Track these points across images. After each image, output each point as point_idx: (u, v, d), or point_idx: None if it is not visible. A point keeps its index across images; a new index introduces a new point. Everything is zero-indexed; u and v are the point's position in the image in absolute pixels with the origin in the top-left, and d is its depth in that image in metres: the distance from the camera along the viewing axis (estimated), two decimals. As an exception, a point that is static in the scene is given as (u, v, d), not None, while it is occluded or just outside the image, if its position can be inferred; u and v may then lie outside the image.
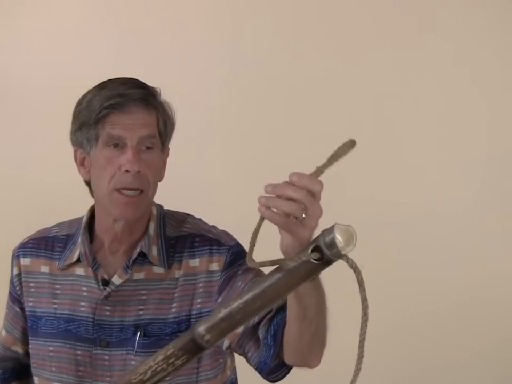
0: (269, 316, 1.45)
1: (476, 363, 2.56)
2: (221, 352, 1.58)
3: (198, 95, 2.54)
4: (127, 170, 1.47)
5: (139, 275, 1.55)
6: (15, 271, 1.65)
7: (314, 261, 1.00)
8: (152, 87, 1.54)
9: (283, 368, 1.46)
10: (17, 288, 1.65)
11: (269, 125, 2.58)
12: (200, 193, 2.56)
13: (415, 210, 2.57)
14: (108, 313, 1.55)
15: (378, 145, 2.55)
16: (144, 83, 1.54)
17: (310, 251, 1.00)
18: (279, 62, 2.57)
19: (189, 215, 1.65)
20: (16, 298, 1.66)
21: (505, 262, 2.54)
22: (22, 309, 1.65)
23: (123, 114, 1.48)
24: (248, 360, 1.52)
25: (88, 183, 1.58)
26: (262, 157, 2.57)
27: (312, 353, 1.36)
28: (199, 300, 1.53)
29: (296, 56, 2.57)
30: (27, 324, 1.64)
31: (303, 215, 1.05)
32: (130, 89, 1.50)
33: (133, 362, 1.52)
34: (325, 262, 1.00)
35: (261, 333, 1.46)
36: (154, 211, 1.60)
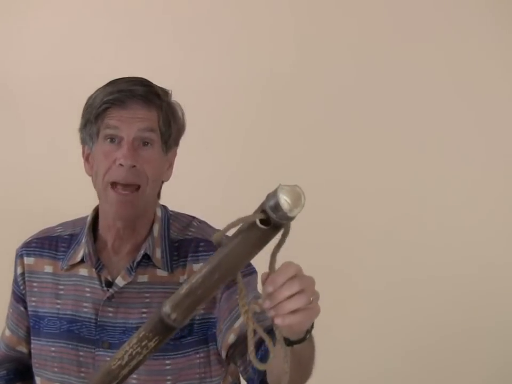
0: (258, 339, 1.45)
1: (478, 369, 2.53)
2: (222, 361, 1.57)
3: (198, 95, 2.52)
4: (121, 164, 1.46)
5: (143, 278, 1.54)
6: (19, 270, 1.64)
7: (262, 226, 0.95)
8: (160, 88, 1.54)
9: None
10: (21, 287, 1.64)
11: (269, 125, 2.56)
12: (200, 193, 2.55)
13: (418, 211, 2.55)
14: (110, 314, 1.54)
15: (381, 147, 2.54)
16: (150, 82, 1.54)
17: (257, 216, 0.95)
18: (280, 62, 2.54)
19: (194, 217, 1.63)
20: (20, 298, 1.65)
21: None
22: (26, 308, 1.64)
23: (122, 110, 1.48)
24: (240, 373, 1.54)
25: None
26: (262, 157, 2.56)
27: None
28: (203, 306, 1.51)
29: (298, 57, 2.55)
30: (30, 324, 1.64)
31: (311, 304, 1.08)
32: (132, 86, 1.50)
33: None
34: (273, 226, 0.95)
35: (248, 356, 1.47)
36: (159, 212, 1.59)
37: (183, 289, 1.06)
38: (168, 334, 1.11)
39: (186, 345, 1.52)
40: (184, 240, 1.56)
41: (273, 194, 0.94)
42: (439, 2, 2.47)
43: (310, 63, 2.53)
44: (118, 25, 2.65)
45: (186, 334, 1.51)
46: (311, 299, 1.07)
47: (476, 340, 2.48)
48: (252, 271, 1.53)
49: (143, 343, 1.11)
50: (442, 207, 2.50)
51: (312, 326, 1.19)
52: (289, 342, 1.17)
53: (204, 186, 2.57)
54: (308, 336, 1.18)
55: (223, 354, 1.53)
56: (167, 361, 1.51)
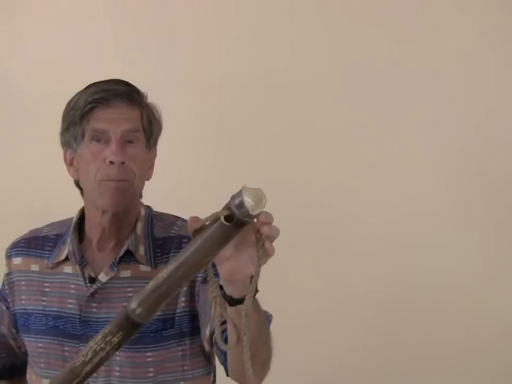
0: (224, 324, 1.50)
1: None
2: (207, 354, 1.63)
3: (198, 95, 2.57)
4: (111, 162, 1.53)
5: (125, 273, 1.60)
6: (6, 271, 1.72)
7: (226, 223, 1.06)
8: (138, 88, 1.62)
9: None
10: (5, 287, 1.71)
11: (270, 126, 2.59)
12: (200, 194, 2.53)
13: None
14: (94, 310, 1.59)
15: (381, 146, 2.57)
16: (128, 82, 1.62)
17: (222, 213, 1.06)
18: (280, 62, 2.58)
19: (178, 217, 1.69)
20: (3, 297, 1.72)
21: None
22: (8, 307, 1.71)
23: (107, 108, 1.55)
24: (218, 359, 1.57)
25: (78, 184, 1.65)
26: (263, 158, 2.58)
27: (250, 373, 1.29)
28: (183, 299, 1.58)
29: (297, 56, 2.59)
30: (12, 324, 1.70)
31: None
32: (114, 85, 1.58)
33: (117, 358, 1.56)
34: (236, 223, 1.06)
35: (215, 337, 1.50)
36: (143, 212, 1.66)
37: (149, 285, 1.14)
38: (133, 330, 1.17)
39: (167, 337, 1.57)
40: (168, 237, 1.63)
41: (238, 195, 1.05)
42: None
43: (310, 62, 2.56)
44: (117, 26, 2.67)
45: (168, 326, 1.57)
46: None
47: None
48: None
49: (107, 339, 1.17)
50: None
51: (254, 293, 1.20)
52: (231, 300, 1.23)
53: (204, 187, 2.57)
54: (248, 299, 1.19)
55: (206, 345, 1.58)
56: (149, 353, 1.57)
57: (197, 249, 1.09)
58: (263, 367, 1.38)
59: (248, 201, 1.04)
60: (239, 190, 1.05)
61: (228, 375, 1.50)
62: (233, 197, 1.05)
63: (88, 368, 1.21)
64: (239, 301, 1.22)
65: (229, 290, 1.23)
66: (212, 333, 1.53)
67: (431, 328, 2.50)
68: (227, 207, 1.06)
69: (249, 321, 1.20)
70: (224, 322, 1.36)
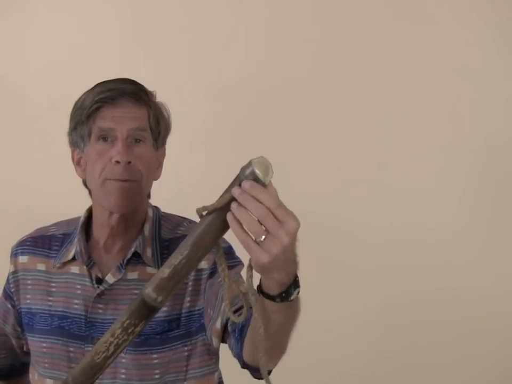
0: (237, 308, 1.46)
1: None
2: (212, 352, 1.63)
3: (198, 95, 2.54)
4: (117, 162, 1.51)
5: (133, 275, 1.58)
6: (11, 269, 1.69)
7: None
8: (145, 87, 1.60)
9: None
10: (11, 285, 1.68)
11: (270, 126, 2.57)
12: (200, 194, 2.50)
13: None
14: (100, 311, 1.58)
15: (382, 148, 2.56)
16: (136, 81, 1.60)
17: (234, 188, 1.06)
18: (280, 62, 2.56)
19: (185, 218, 1.68)
20: (9, 295, 1.70)
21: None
22: (13, 306, 1.69)
23: (113, 108, 1.53)
24: (231, 351, 1.53)
25: (85, 184, 1.62)
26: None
27: (261, 332, 1.26)
28: (188, 299, 1.57)
29: (297, 56, 2.56)
30: (17, 322, 1.69)
31: (262, 238, 1.04)
32: (121, 85, 1.56)
33: (123, 360, 1.56)
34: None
35: (230, 326, 1.49)
36: (150, 213, 1.64)
37: (166, 273, 1.14)
38: (152, 315, 1.20)
39: (173, 338, 1.57)
40: (174, 238, 1.62)
41: (248, 168, 1.05)
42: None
43: (315, 65, 2.55)
44: (121, 26, 2.62)
45: (174, 327, 1.57)
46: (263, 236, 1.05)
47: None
48: (238, 263, 1.59)
49: (130, 330, 1.19)
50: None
51: (287, 294, 1.13)
52: (261, 293, 1.15)
53: (204, 187, 2.47)
54: (278, 299, 1.14)
55: (215, 341, 1.56)
56: (155, 355, 1.56)
57: (211, 226, 1.11)
58: (281, 352, 1.33)
59: (258, 172, 1.05)
60: (247, 163, 1.05)
61: (242, 366, 1.46)
62: (242, 171, 1.06)
63: (110, 360, 1.24)
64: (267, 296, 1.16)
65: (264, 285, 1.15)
66: (224, 326, 1.51)
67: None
68: (239, 183, 1.06)
69: (275, 316, 1.17)
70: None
